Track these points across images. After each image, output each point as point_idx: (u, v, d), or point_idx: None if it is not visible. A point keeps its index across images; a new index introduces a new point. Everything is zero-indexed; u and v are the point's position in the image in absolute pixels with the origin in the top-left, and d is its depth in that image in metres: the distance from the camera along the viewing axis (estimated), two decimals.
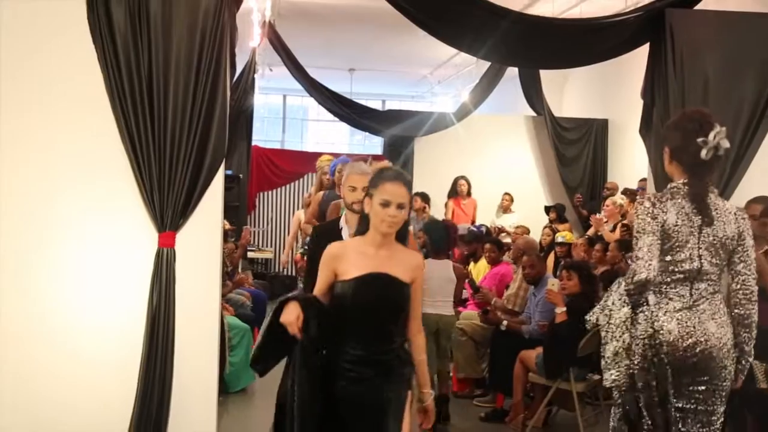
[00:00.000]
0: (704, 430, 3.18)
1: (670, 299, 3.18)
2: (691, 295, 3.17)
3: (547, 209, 9.99)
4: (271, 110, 18.51)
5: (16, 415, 4.12)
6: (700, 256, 3.16)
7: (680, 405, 3.18)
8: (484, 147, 10.97)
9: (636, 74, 5.20)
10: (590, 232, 8.62)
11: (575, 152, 10.92)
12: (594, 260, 7.14)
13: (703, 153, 3.14)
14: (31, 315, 4.15)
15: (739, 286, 3.22)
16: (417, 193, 9.74)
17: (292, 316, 2.93)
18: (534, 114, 11.19)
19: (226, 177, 5.45)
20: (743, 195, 4.63)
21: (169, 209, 4.11)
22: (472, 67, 11.81)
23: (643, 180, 9.69)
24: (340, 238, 4.07)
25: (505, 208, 10.63)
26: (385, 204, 3.04)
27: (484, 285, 7.02)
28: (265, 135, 17.52)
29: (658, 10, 4.79)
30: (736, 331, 3.21)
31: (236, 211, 10.06)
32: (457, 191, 10.33)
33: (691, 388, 3.16)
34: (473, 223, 9.96)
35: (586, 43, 5.10)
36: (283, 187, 12.84)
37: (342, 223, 4.21)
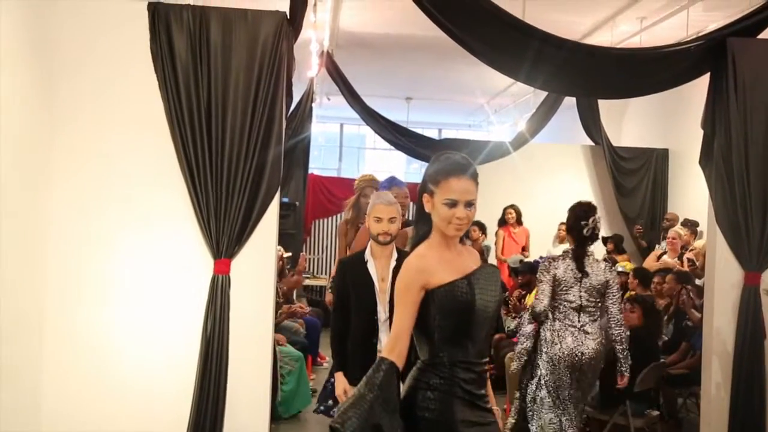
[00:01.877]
0: (583, 403, 4.93)
1: (566, 324, 4.78)
2: (579, 321, 4.77)
3: (605, 240, 9.82)
4: (328, 139, 18.70)
5: None
6: (581, 296, 4.79)
7: (573, 391, 4.77)
8: (541, 176, 10.87)
9: (698, 103, 5.10)
10: (645, 264, 8.46)
11: (634, 182, 10.73)
12: (654, 293, 7.00)
13: (585, 231, 4.82)
14: (85, 339, 4.23)
15: (610, 317, 4.88)
16: (474, 222, 9.69)
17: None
18: (592, 143, 11.05)
19: (283, 205, 5.49)
20: None
21: (224, 237, 4.16)
22: (530, 96, 11.76)
23: (670, 215, 9.51)
24: (366, 271, 4.07)
25: (561, 238, 10.45)
26: (452, 204, 2.65)
27: None
28: (322, 163, 17.70)
29: (719, 39, 4.70)
30: (614, 346, 4.90)
31: (292, 238, 10.12)
32: (505, 220, 10.27)
33: (580, 380, 4.77)
34: (523, 251, 9.88)
35: (645, 72, 5.02)
36: (339, 215, 12.92)
37: (367, 255, 4.15)
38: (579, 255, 4.84)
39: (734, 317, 4.65)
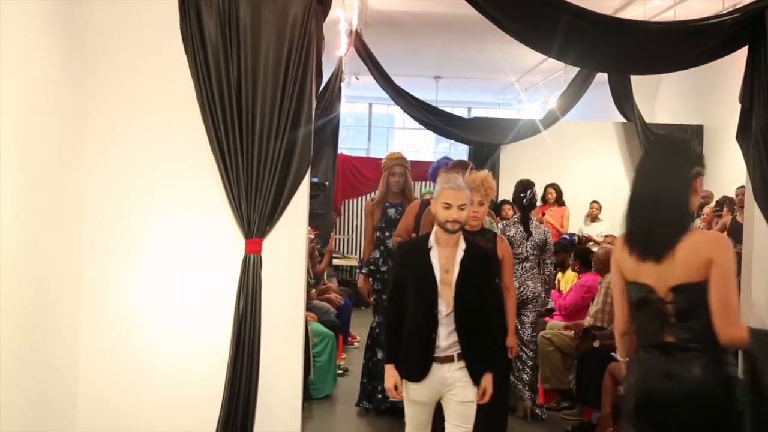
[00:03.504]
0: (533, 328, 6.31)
1: (515, 272, 5.75)
2: (523, 268, 6.15)
3: None
4: (357, 118, 18.68)
5: (101, 415, 4.24)
6: (527, 250, 6.20)
7: (522, 318, 6.10)
8: (573, 154, 10.79)
9: (733, 78, 4.99)
10: None
11: None
12: None
13: (524, 201, 6.40)
14: (120, 320, 4.27)
15: (545, 265, 6.36)
16: (507, 202, 9.63)
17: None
18: (624, 120, 10.91)
19: (313, 184, 5.48)
20: None
21: (255, 216, 4.16)
22: (561, 72, 11.63)
23: (741, 188, 9.34)
24: (428, 260, 3.78)
25: (593, 217, 10.40)
26: None
27: (570, 296, 6.91)
28: (351, 143, 17.71)
29: (757, 11, 4.58)
30: (543, 286, 6.36)
31: (322, 218, 10.15)
32: (545, 199, 10.20)
33: (526, 312, 6.16)
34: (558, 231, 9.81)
35: (680, 46, 4.91)
36: (368, 195, 12.93)
37: (431, 242, 3.83)
38: (524, 220, 6.31)
39: None
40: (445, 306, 3.77)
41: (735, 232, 7.42)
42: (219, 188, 4.21)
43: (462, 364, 3.79)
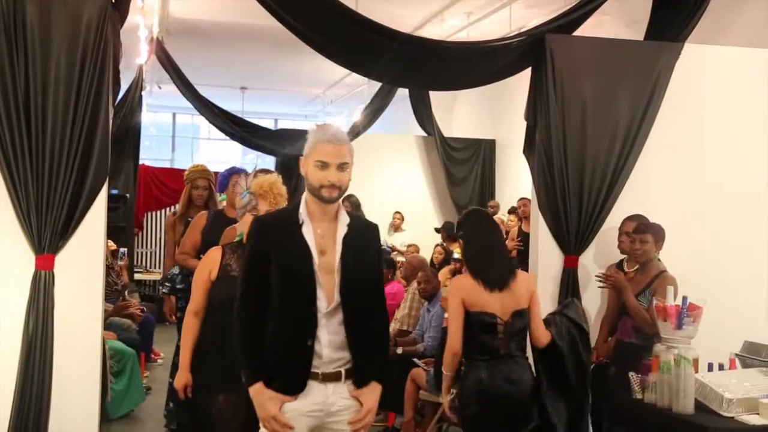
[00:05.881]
0: None
1: None
2: None
3: (438, 230, 10.16)
4: (160, 128, 18.13)
5: None
6: None
7: None
8: (376, 166, 11.06)
9: (521, 96, 5.36)
10: None
11: (465, 172, 11.17)
12: None
13: None
14: None
15: None
16: None
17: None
18: (425, 134, 11.38)
19: (113, 197, 5.27)
20: (619, 212, 4.85)
21: (47, 231, 3.94)
22: (364, 86, 11.93)
23: (522, 199, 10.05)
24: (299, 238, 2.85)
25: (396, 227, 10.72)
26: None
27: None
28: (154, 153, 17.15)
29: (539, 35, 4.96)
30: None
31: (123, 231, 9.75)
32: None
33: None
34: None
35: (472, 65, 5.20)
36: (172, 207, 12.58)
37: (302, 214, 2.89)
38: None
39: (554, 298, 4.93)
40: (325, 300, 2.83)
41: (523, 240, 7.98)
42: (5, 202, 3.94)
43: (350, 385, 2.88)
